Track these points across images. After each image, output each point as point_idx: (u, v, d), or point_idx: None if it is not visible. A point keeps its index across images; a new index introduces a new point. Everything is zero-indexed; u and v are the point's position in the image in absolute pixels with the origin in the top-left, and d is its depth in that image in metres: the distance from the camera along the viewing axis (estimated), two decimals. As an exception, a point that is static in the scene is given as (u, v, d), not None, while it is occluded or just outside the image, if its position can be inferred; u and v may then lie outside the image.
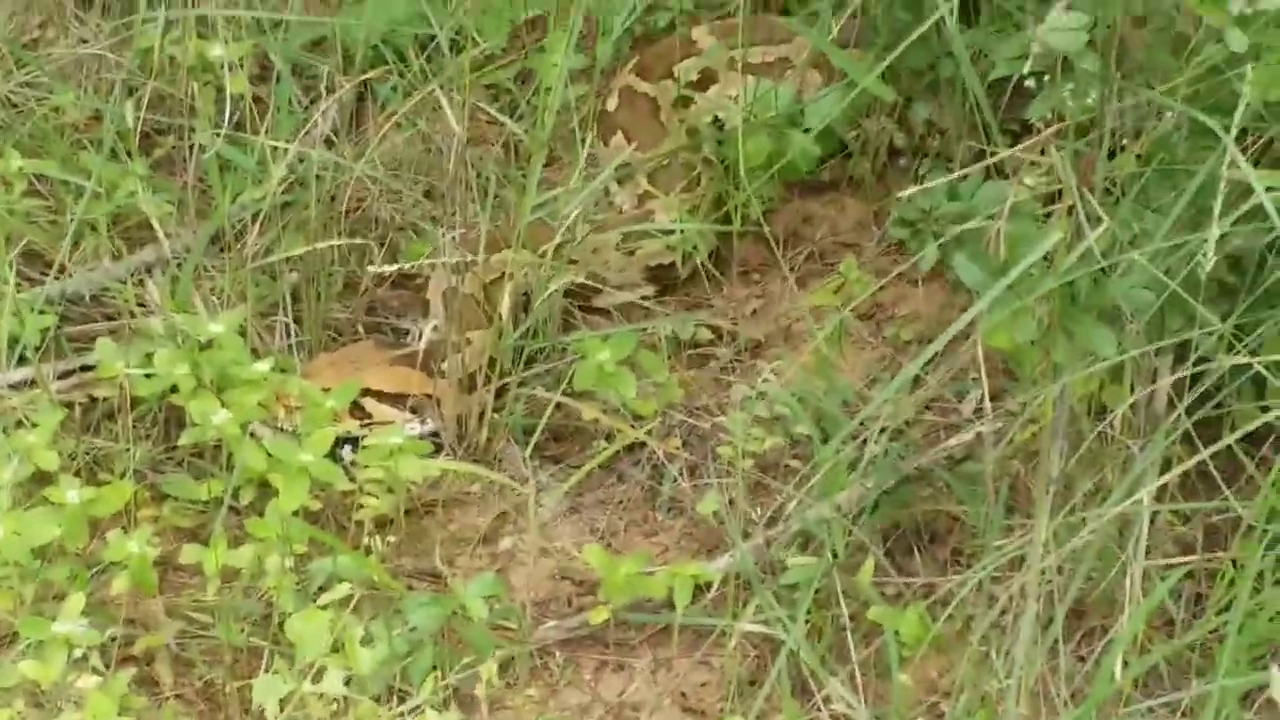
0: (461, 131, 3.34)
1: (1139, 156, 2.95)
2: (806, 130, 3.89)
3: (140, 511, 3.24)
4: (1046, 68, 2.97)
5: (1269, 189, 2.70)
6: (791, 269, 3.89)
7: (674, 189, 3.85)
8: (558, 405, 3.48)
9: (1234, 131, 2.62)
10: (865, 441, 3.20)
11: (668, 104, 4.09)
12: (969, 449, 3.29)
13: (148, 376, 3.26)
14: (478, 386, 3.50)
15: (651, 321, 3.71)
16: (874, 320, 3.78)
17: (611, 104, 4.11)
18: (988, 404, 3.01)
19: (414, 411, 3.51)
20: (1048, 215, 3.25)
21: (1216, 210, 2.56)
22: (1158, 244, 2.80)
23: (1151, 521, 2.96)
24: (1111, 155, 3.16)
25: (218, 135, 3.54)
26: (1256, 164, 3.01)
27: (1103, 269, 2.85)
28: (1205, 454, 2.85)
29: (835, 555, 3.13)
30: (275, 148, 3.52)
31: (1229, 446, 2.88)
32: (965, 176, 3.68)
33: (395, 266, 3.51)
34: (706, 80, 4.14)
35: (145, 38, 3.83)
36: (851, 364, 3.67)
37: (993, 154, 3.49)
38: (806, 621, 3.02)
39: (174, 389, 3.25)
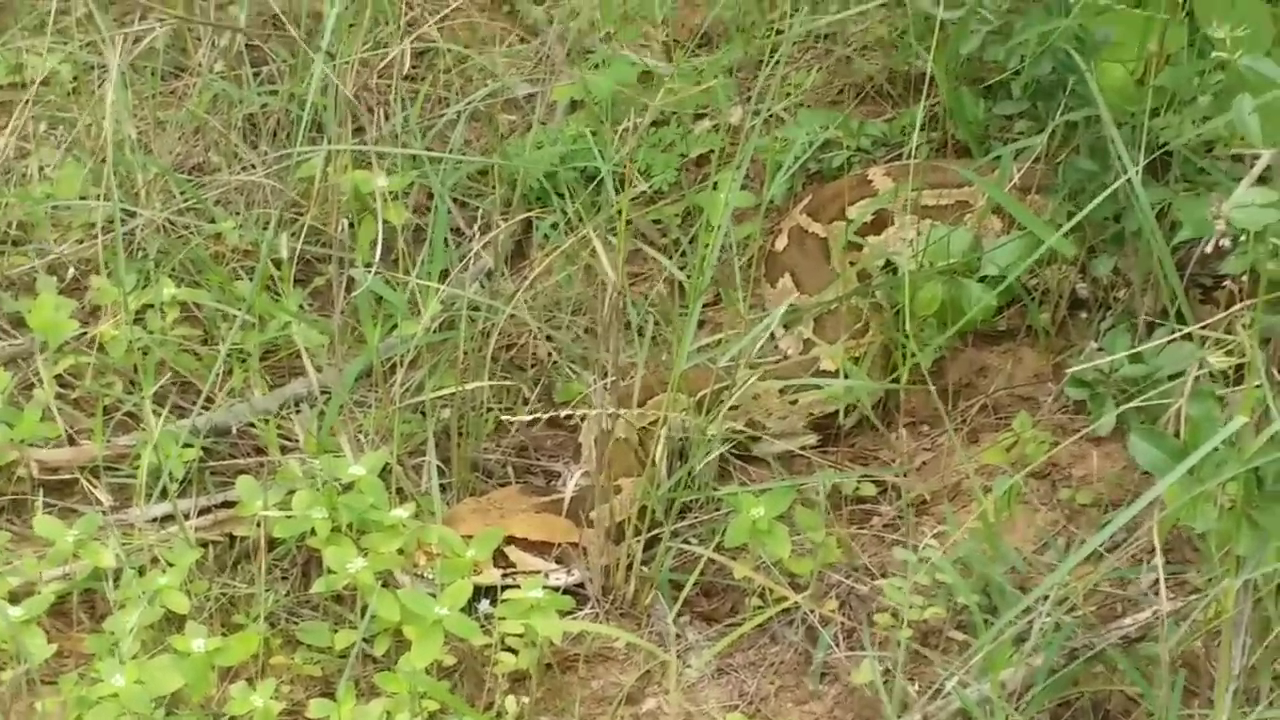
0: (616, 278, 3.22)
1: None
2: (983, 279, 3.72)
3: (272, 659, 3.14)
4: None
5: None
6: (963, 422, 3.72)
7: (840, 335, 3.69)
8: (709, 560, 3.33)
9: None
10: (1033, 614, 3.01)
11: (838, 246, 3.95)
12: (1146, 628, 3.07)
13: (287, 518, 3.17)
14: (626, 537, 3.36)
15: (812, 475, 3.54)
16: (1049, 480, 3.58)
17: (780, 244, 3.98)
18: (1163, 587, 2.78)
19: (559, 561, 3.38)
20: (1238, 382, 3.06)
21: None
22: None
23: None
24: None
25: (370, 269, 3.45)
26: None
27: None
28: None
29: (997, 737, 2.94)
30: (426, 286, 3.41)
31: None
32: (1150, 333, 3.51)
33: (532, 416, 3.38)
34: (880, 223, 4.00)
35: (306, 166, 3.78)
36: (1022, 528, 3.47)
37: (1178, 314, 3.32)
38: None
39: (313, 531, 3.15)
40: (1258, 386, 2.55)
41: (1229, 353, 2.77)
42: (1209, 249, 2.53)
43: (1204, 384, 2.91)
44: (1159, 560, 2.70)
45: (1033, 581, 3.29)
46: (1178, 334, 3.10)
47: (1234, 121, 2.45)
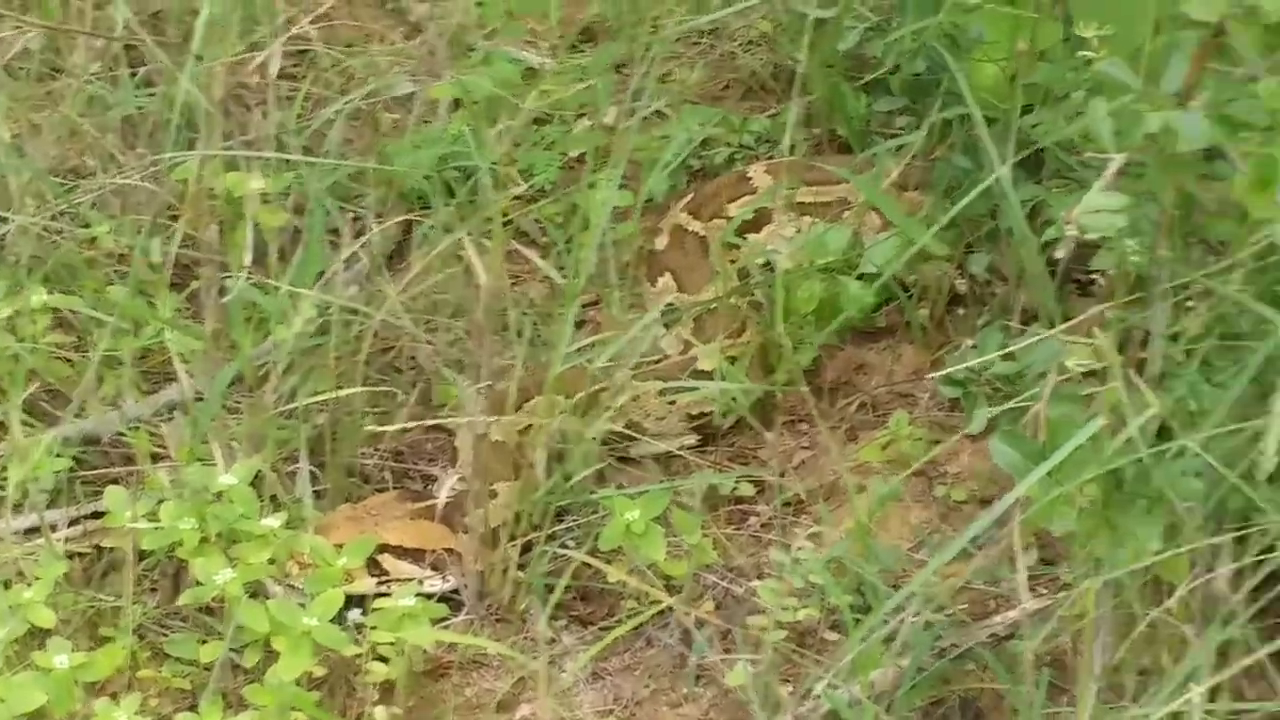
0: (489, 280, 3.20)
1: (1191, 339, 2.75)
2: (861, 276, 3.72)
3: (140, 672, 3.11)
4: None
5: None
6: (841, 420, 3.72)
7: (718, 335, 3.68)
8: (588, 564, 3.31)
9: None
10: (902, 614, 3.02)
11: (719, 244, 3.94)
12: (1014, 626, 3.09)
13: (156, 529, 3.13)
14: (501, 542, 3.35)
15: (689, 477, 3.53)
16: (925, 477, 3.59)
17: (661, 243, 3.97)
18: (1023, 587, 2.80)
19: (435, 567, 3.36)
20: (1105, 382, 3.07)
21: (1277, 405, 2.36)
22: (1211, 430, 2.60)
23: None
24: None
25: (240, 275, 3.42)
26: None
27: (1159, 452, 2.66)
28: (1263, 652, 2.65)
29: (867, 739, 2.94)
30: (296, 292, 3.38)
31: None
32: (1023, 332, 3.52)
33: (400, 427, 3.36)
34: (761, 221, 3.99)
35: (182, 170, 3.73)
36: (897, 526, 3.48)
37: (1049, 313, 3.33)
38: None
39: (181, 542, 3.12)
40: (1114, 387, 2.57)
41: (1094, 352, 2.77)
42: (1059, 252, 2.53)
43: (1073, 383, 2.92)
44: (1020, 562, 2.71)
45: (908, 580, 3.29)
46: (1046, 333, 3.10)
47: (1089, 125, 2.45)
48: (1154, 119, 2.26)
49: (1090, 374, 3.01)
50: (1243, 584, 2.77)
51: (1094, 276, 3.61)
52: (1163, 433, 2.74)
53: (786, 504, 3.53)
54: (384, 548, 3.32)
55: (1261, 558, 2.74)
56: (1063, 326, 2.77)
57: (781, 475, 3.60)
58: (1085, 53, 2.83)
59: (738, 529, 3.52)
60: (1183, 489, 2.58)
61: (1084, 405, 2.61)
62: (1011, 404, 3.12)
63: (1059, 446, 2.55)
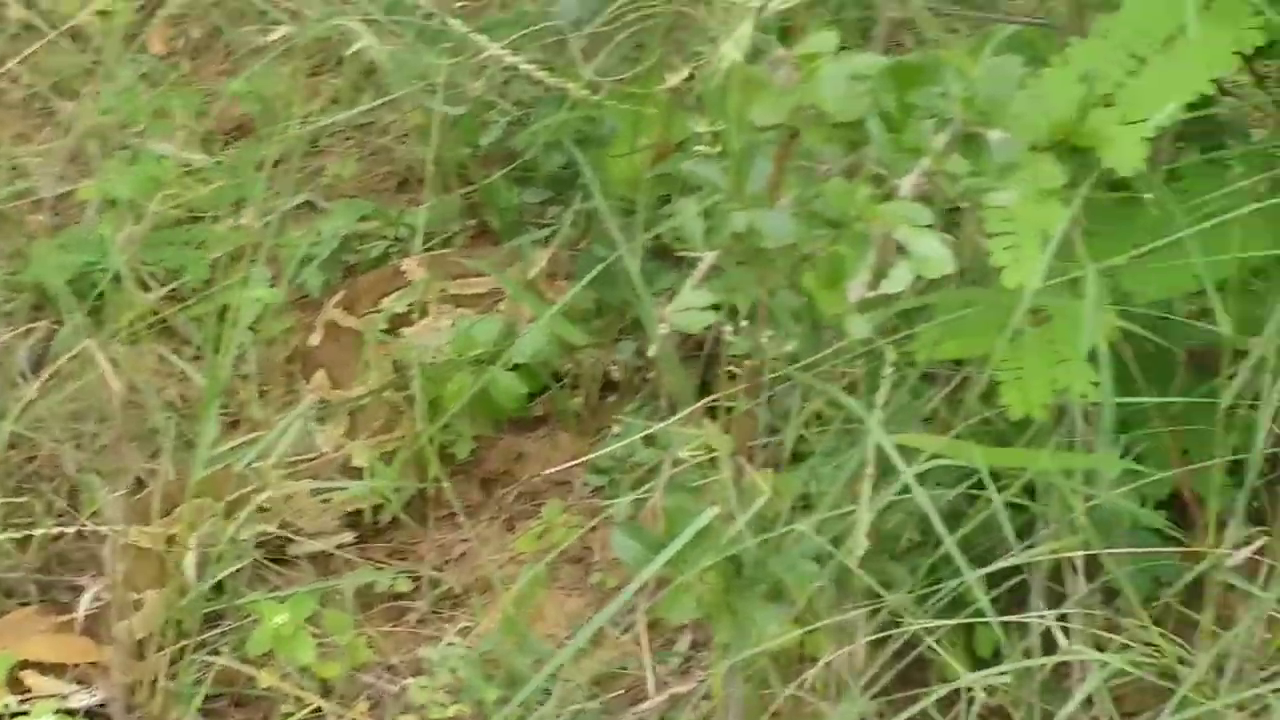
0: (120, 384, 3.16)
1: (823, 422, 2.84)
2: (515, 367, 3.75)
3: None
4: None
5: (933, 455, 2.63)
6: (500, 510, 3.74)
7: (369, 431, 3.68)
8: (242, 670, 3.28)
9: (880, 404, 2.52)
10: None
11: (374, 339, 3.94)
12: (659, 711, 3.14)
13: None
14: (150, 651, 3.29)
15: (342, 576, 3.51)
16: (581, 564, 3.62)
17: (315, 339, 3.95)
18: (650, 675, 2.85)
19: (80, 682, 3.29)
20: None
21: (865, 492, 2.45)
22: (827, 512, 2.68)
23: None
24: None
25: None
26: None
27: (781, 535, 2.72)
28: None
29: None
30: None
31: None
32: (671, 417, 3.58)
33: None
34: (416, 314, 4.00)
35: None
36: (555, 615, 3.50)
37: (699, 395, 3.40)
38: None
39: None
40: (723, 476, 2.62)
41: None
42: (651, 351, 2.58)
43: (696, 470, 2.98)
44: (645, 649, 2.76)
45: (563, 671, 3.32)
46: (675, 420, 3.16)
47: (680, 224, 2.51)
48: (739, 218, 2.32)
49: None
50: (876, 657, 2.87)
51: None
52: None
53: (443, 599, 3.53)
54: (25, 664, 3.25)
55: (887, 634, 2.83)
56: (679, 416, 2.82)
57: (438, 569, 3.61)
58: (698, 148, 2.91)
59: (395, 626, 3.51)
60: (798, 572, 2.65)
61: (700, 494, 2.66)
62: (644, 490, 3.17)
63: (676, 536, 2.59)
